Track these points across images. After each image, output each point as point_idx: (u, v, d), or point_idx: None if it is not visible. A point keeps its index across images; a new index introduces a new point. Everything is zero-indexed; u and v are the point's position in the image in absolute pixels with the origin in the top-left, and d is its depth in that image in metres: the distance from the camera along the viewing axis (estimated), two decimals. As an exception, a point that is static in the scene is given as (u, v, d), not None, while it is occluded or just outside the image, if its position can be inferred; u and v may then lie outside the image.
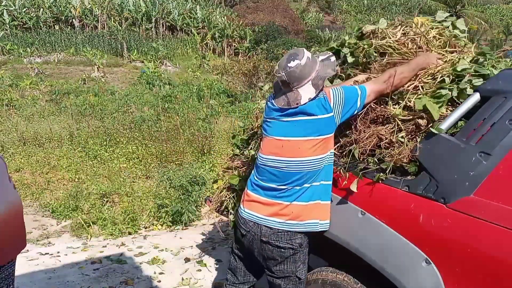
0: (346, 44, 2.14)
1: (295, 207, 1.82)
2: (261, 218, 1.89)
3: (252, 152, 2.58)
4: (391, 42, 1.96)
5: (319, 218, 1.83)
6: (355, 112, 1.81)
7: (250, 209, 1.95)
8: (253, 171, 2.02)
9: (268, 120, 1.91)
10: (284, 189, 1.83)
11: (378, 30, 2.06)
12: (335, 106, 1.76)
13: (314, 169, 1.79)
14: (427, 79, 1.76)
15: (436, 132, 1.54)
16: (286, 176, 1.82)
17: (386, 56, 1.96)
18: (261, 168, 1.92)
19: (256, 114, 2.65)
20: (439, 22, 2.06)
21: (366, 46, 2.01)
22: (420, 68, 1.81)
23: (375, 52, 1.98)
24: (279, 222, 1.84)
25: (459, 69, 1.68)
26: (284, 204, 1.83)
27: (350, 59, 2.08)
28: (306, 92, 1.76)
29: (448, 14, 2.02)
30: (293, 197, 1.83)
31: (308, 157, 1.77)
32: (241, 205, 2.01)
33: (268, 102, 1.93)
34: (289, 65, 1.77)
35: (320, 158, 1.78)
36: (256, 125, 2.58)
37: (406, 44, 1.95)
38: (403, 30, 2.01)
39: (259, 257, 1.96)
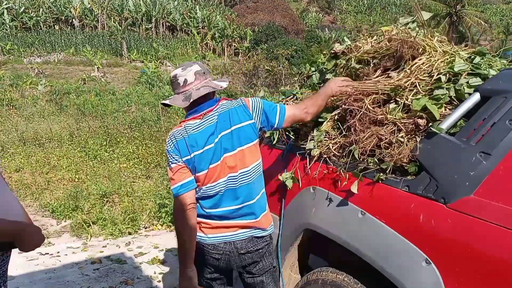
0: (326, 68, 2.25)
1: (265, 216, 1.90)
2: (232, 235, 1.85)
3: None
4: (369, 49, 2.01)
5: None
6: (272, 128, 1.89)
7: (216, 233, 1.85)
8: (200, 205, 1.86)
9: (204, 150, 1.78)
10: (250, 204, 1.84)
11: (350, 46, 2.15)
12: (254, 114, 1.83)
13: (256, 178, 1.86)
14: (424, 77, 1.76)
15: (436, 131, 1.54)
16: (249, 189, 1.84)
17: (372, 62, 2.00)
18: (214, 196, 1.82)
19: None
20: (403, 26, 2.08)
21: (344, 62, 2.10)
22: (329, 95, 1.93)
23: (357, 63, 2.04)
24: (253, 232, 1.87)
25: (456, 69, 1.68)
26: (256, 220, 1.86)
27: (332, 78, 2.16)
28: (222, 83, 1.87)
29: (411, 18, 2.05)
30: (262, 208, 1.89)
31: (253, 165, 1.84)
32: (200, 234, 1.85)
33: (184, 138, 1.78)
34: (197, 62, 1.94)
35: (261, 161, 1.89)
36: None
37: (384, 46, 1.98)
38: (374, 40, 2.08)
39: (239, 268, 1.94)
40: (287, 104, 2.12)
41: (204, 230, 1.86)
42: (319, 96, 1.93)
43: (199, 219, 1.86)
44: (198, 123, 1.81)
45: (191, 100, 1.77)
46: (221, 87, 1.84)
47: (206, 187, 1.81)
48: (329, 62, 2.25)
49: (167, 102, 1.87)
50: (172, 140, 1.81)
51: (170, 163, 1.82)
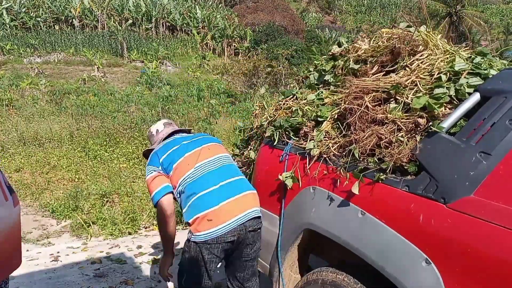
0: (325, 70, 2.29)
1: (256, 195, 2.17)
2: (242, 216, 2.04)
3: (252, 153, 2.58)
4: (367, 48, 2.05)
5: None
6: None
7: (225, 220, 2.00)
8: (186, 202, 2.08)
9: (174, 149, 2.19)
10: (237, 179, 2.15)
11: (348, 47, 2.21)
12: None
13: (235, 163, 2.30)
14: (424, 75, 1.76)
15: (437, 130, 1.54)
16: (230, 168, 2.19)
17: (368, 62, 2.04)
18: (202, 177, 2.09)
19: (255, 113, 2.65)
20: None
21: (342, 63, 2.15)
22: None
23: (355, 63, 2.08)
24: (255, 211, 2.10)
25: (456, 68, 1.68)
26: (250, 191, 2.14)
27: (332, 79, 2.21)
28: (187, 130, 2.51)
29: (407, 24, 2.08)
30: (250, 186, 2.19)
31: (227, 153, 2.30)
32: (210, 229, 1.99)
33: (164, 145, 2.26)
34: (163, 119, 2.66)
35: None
36: (256, 125, 2.58)
37: (381, 44, 2.02)
38: (372, 40, 2.13)
39: (239, 250, 2.13)
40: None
41: (211, 224, 1.99)
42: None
43: (198, 215, 2.01)
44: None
45: (163, 134, 2.36)
46: (186, 129, 2.47)
47: (185, 176, 2.08)
48: (328, 64, 2.26)
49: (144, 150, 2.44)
50: (150, 157, 2.24)
51: (148, 174, 2.18)
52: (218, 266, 2.22)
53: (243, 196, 2.09)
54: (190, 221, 2.04)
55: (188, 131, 2.50)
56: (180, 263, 2.18)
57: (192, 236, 2.04)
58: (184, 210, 2.09)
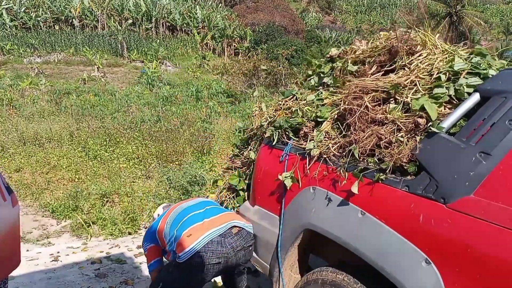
0: (323, 72, 2.31)
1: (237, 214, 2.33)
2: (221, 227, 2.14)
3: (252, 153, 2.58)
4: (365, 50, 2.07)
5: None
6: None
7: (203, 233, 2.09)
8: (170, 238, 2.19)
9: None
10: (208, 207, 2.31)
11: (346, 49, 2.23)
12: None
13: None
14: (424, 75, 1.76)
15: (437, 130, 1.54)
16: (217, 209, 2.32)
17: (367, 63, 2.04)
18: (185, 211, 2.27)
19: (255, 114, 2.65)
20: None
21: (340, 65, 2.16)
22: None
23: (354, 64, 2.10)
24: (238, 222, 2.20)
25: (456, 68, 1.68)
26: (227, 212, 2.31)
27: (330, 81, 2.22)
28: None
29: (406, 28, 2.09)
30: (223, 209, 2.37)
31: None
32: (191, 246, 2.05)
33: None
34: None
35: None
36: (255, 126, 2.58)
37: (379, 45, 2.03)
38: (370, 42, 2.14)
39: (233, 268, 2.26)
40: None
41: (193, 237, 2.08)
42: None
43: (186, 232, 2.12)
44: None
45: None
46: None
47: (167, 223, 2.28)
48: (326, 66, 2.27)
49: None
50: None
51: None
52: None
53: (222, 215, 2.23)
54: (175, 249, 2.11)
55: None
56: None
57: (179, 258, 2.08)
58: (168, 247, 2.19)
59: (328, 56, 2.31)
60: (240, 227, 2.18)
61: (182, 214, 2.25)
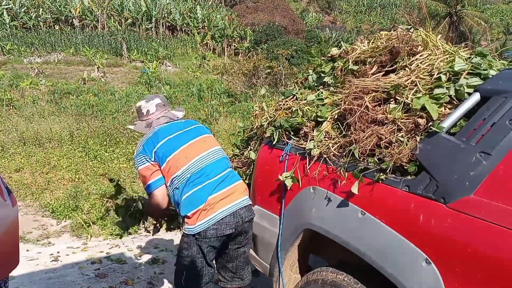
0: (324, 71, 2.31)
1: (243, 184, 2.24)
2: (235, 204, 2.11)
3: (252, 153, 2.58)
4: (367, 50, 2.08)
5: None
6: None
7: (219, 208, 2.06)
8: (182, 196, 2.09)
9: (168, 138, 2.13)
10: (228, 171, 2.19)
11: (347, 49, 2.23)
12: None
13: (226, 155, 2.29)
14: (424, 75, 1.76)
15: (437, 130, 1.54)
16: (223, 161, 2.20)
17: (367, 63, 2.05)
18: (199, 172, 2.10)
19: (255, 114, 2.65)
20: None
21: (341, 64, 2.17)
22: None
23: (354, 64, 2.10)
24: (246, 200, 2.18)
25: (456, 68, 1.68)
26: (240, 181, 2.21)
27: (331, 81, 2.23)
28: (178, 113, 2.33)
29: (410, 26, 2.08)
30: (237, 177, 2.24)
31: (219, 146, 2.28)
32: (205, 218, 2.05)
33: (155, 132, 2.17)
34: (159, 94, 2.47)
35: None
36: (256, 126, 2.58)
37: (380, 45, 2.04)
38: (371, 42, 2.15)
39: (234, 240, 2.20)
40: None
41: (207, 213, 2.04)
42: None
43: (196, 200, 2.06)
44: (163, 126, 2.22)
45: (152, 127, 2.21)
46: (177, 117, 2.28)
47: (182, 170, 2.07)
48: (327, 65, 2.27)
49: (131, 127, 2.36)
50: (140, 145, 2.16)
51: (139, 165, 2.14)
52: None
53: (233, 186, 2.16)
54: (189, 214, 2.06)
55: (178, 115, 2.35)
56: (176, 263, 2.20)
57: (191, 229, 2.06)
58: (180, 204, 2.08)
59: (329, 55, 2.31)
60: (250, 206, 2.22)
61: (201, 175, 2.09)
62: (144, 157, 2.12)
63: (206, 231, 2.04)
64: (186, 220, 2.08)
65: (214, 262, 2.27)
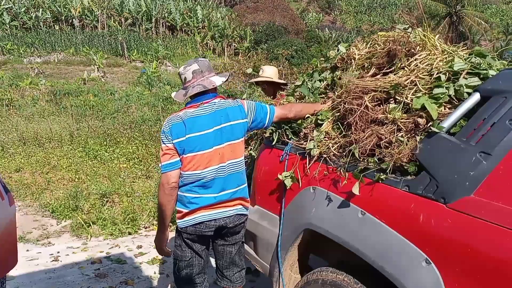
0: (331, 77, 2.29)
1: (246, 200, 2.21)
2: (219, 212, 2.11)
3: (252, 153, 2.58)
4: (364, 54, 2.09)
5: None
6: (263, 126, 2.18)
7: (200, 213, 2.08)
8: (184, 191, 2.08)
9: (198, 134, 2.02)
10: (235, 190, 2.12)
11: (344, 56, 2.22)
12: (248, 113, 2.11)
13: (243, 168, 2.16)
14: (424, 75, 1.76)
15: (437, 130, 1.54)
16: (236, 177, 2.12)
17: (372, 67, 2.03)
18: (211, 182, 2.06)
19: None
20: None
21: (340, 73, 2.16)
22: (316, 110, 2.12)
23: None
24: (238, 209, 2.16)
25: (455, 68, 1.68)
26: (241, 198, 2.16)
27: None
28: (217, 79, 2.12)
29: (407, 26, 2.08)
30: (245, 194, 2.19)
31: (242, 157, 2.14)
32: (186, 218, 2.09)
33: (183, 121, 2.03)
34: (199, 59, 2.17)
35: (244, 158, 2.16)
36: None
37: (377, 47, 2.04)
38: (368, 44, 2.15)
39: (220, 239, 2.23)
40: (274, 105, 2.30)
41: (194, 212, 2.07)
42: (308, 108, 2.15)
43: (189, 203, 2.07)
44: (194, 110, 2.07)
45: (187, 96, 2.09)
46: (213, 85, 2.10)
47: (196, 173, 2.03)
48: (329, 76, 2.28)
49: (172, 95, 2.25)
50: (169, 123, 2.05)
51: (162, 142, 2.06)
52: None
53: (229, 202, 2.14)
54: (179, 208, 2.11)
55: (216, 82, 2.14)
56: (174, 256, 2.28)
57: (178, 223, 2.14)
58: (179, 195, 2.11)
59: (331, 64, 2.31)
60: (241, 214, 2.19)
61: (210, 185, 2.06)
62: (167, 138, 2.04)
63: (186, 227, 2.11)
64: (176, 213, 2.14)
65: (206, 253, 2.28)
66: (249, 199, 2.24)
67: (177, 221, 2.14)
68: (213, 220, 2.10)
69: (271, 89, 3.59)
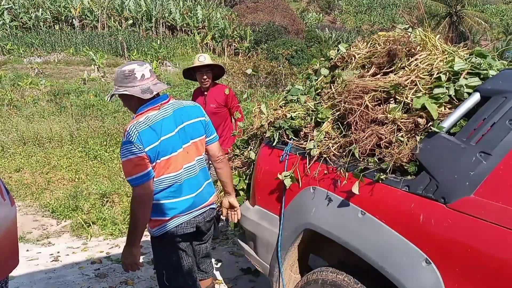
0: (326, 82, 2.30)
1: (215, 194, 2.31)
2: (193, 212, 2.14)
3: (252, 153, 2.58)
4: (364, 54, 2.09)
5: None
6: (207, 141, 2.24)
7: (186, 214, 2.11)
8: (160, 198, 2.04)
9: (167, 137, 1.98)
10: (205, 186, 2.19)
11: (344, 55, 2.22)
12: (206, 115, 2.21)
13: (206, 163, 2.24)
14: (424, 75, 1.76)
15: (437, 130, 1.54)
16: (203, 173, 2.18)
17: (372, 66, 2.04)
18: (184, 183, 2.07)
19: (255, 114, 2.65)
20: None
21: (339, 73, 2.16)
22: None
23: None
24: (212, 205, 2.26)
25: (456, 68, 1.68)
26: (213, 196, 2.27)
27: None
28: (162, 85, 2.08)
29: (408, 26, 2.08)
30: (213, 188, 2.28)
31: (204, 153, 2.21)
32: (163, 224, 2.06)
33: (150, 126, 1.93)
34: (145, 62, 2.11)
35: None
36: (255, 126, 2.58)
37: (377, 47, 2.05)
38: (368, 44, 2.15)
39: (196, 237, 2.27)
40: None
41: (174, 216, 2.07)
42: (228, 174, 2.36)
43: (168, 210, 2.05)
44: (157, 113, 2.00)
45: (154, 93, 1.99)
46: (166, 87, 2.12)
47: (171, 175, 2.00)
48: (327, 76, 2.28)
49: (124, 91, 1.98)
50: (134, 132, 1.90)
51: (131, 154, 1.89)
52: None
53: (204, 205, 2.20)
54: (157, 218, 2.06)
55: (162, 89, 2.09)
56: (155, 267, 2.27)
57: (154, 232, 2.10)
58: (155, 205, 2.03)
59: (329, 64, 2.31)
60: (213, 208, 2.28)
61: (185, 187, 2.05)
62: (135, 148, 1.88)
63: (166, 232, 2.08)
64: (151, 222, 2.08)
65: (191, 251, 2.27)
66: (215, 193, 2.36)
67: (152, 230, 2.08)
68: (193, 218, 2.13)
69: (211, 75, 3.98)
